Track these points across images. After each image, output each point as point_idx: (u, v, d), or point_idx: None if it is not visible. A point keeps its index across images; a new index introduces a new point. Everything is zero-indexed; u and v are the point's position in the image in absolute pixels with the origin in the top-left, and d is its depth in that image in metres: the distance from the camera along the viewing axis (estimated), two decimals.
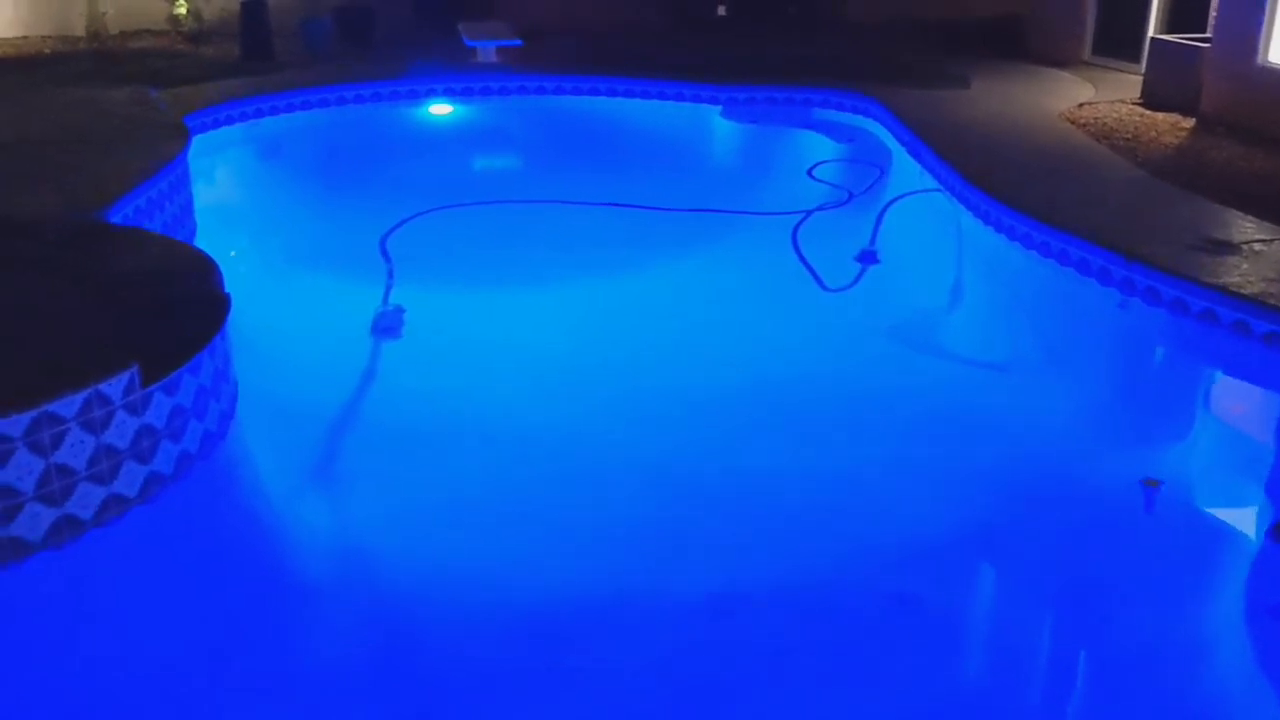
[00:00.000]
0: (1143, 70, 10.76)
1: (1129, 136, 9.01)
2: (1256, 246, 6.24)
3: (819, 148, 9.96)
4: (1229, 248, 6.22)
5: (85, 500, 3.70)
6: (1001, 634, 4.23)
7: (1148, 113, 9.89)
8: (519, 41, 11.80)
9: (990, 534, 4.74)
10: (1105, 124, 9.41)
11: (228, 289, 4.95)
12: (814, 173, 9.17)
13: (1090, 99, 10.43)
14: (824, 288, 7.15)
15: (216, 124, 9.36)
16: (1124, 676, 3.91)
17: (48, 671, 3.62)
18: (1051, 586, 4.50)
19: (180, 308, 4.42)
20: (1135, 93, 10.50)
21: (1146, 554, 4.56)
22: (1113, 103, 10.25)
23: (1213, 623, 4.27)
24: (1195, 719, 3.77)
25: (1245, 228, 6.61)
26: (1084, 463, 5.22)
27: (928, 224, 8.26)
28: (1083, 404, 5.80)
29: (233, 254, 7.60)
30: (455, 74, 11.05)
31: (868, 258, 7.50)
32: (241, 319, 5.85)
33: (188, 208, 6.90)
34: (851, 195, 8.64)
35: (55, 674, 3.61)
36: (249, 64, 11.17)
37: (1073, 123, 9.46)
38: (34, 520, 3.57)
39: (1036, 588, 4.49)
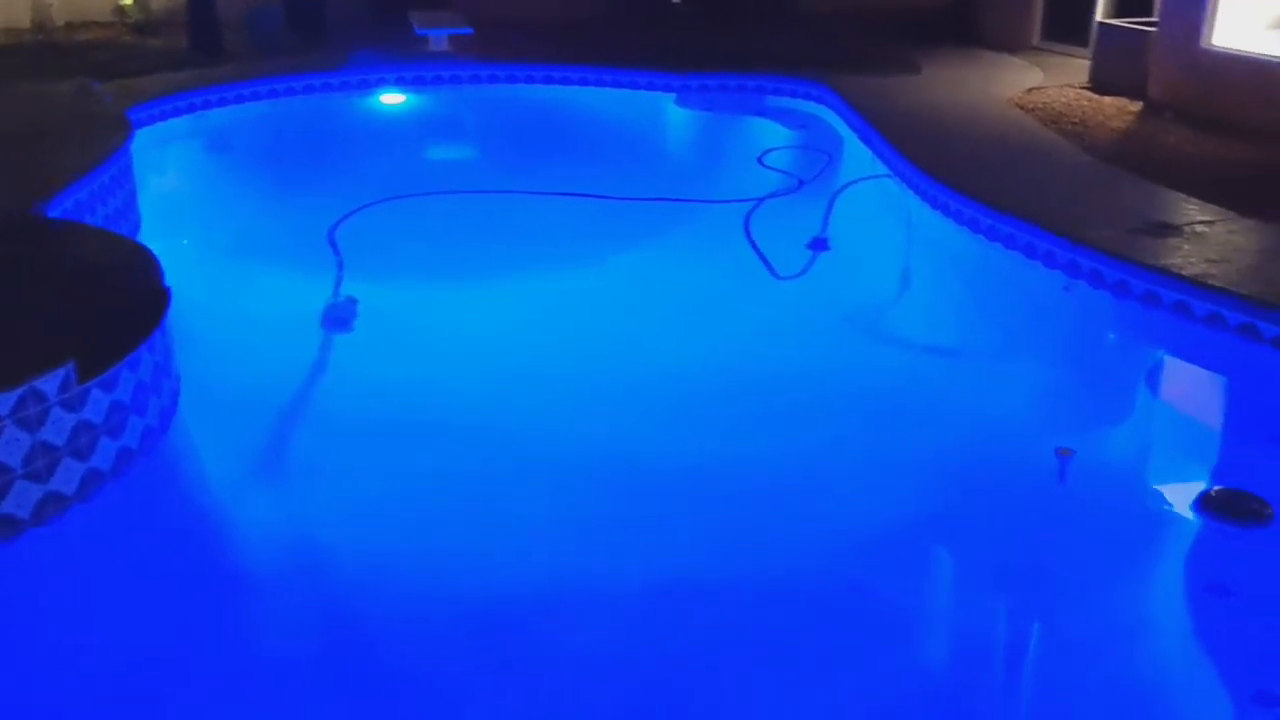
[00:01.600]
0: (1090, 55, 10.85)
1: (1077, 121, 9.09)
2: (1199, 229, 6.31)
3: (770, 135, 9.98)
4: (1172, 230, 6.29)
5: (22, 498, 3.65)
6: (953, 619, 4.26)
7: (1095, 97, 9.98)
8: (470, 30, 11.73)
9: (942, 519, 4.77)
10: (1053, 109, 9.48)
11: (171, 282, 4.90)
12: (765, 160, 9.19)
13: (1039, 84, 10.51)
14: (776, 275, 7.17)
15: (163, 116, 9.25)
16: (1072, 658, 3.95)
17: None
18: (1001, 570, 4.53)
19: (119, 302, 4.36)
20: (1083, 77, 10.59)
21: (1094, 535, 4.60)
22: (1061, 87, 10.34)
23: (1155, 601, 4.33)
24: (1144, 699, 3.82)
25: (1188, 210, 6.69)
26: (1030, 445, 5.27)
27: (878, 210, 8.30)
28: (1030, 387, 5.85)
29: (185, 243, 7.56)
30: (405, 63, 10.99)
31: (819, 245, 7.53)
32: (189, 313, 5.80)
33: (131, 201, 6.82)
34: (802, 183, 8.66)
35: None
36: (196, 55, 11.03)
37: (1022, 108, 9.53)
38: None
39: (988, 572, 4.52)
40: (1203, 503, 4.46)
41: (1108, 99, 9.89)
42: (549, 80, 10.99)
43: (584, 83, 10.97)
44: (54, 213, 5.49)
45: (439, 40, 11.67)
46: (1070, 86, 10.39)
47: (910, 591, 4.36)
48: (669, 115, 10.73)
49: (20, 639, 3.71)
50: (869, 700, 3.77)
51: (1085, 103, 9.77)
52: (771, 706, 3.71)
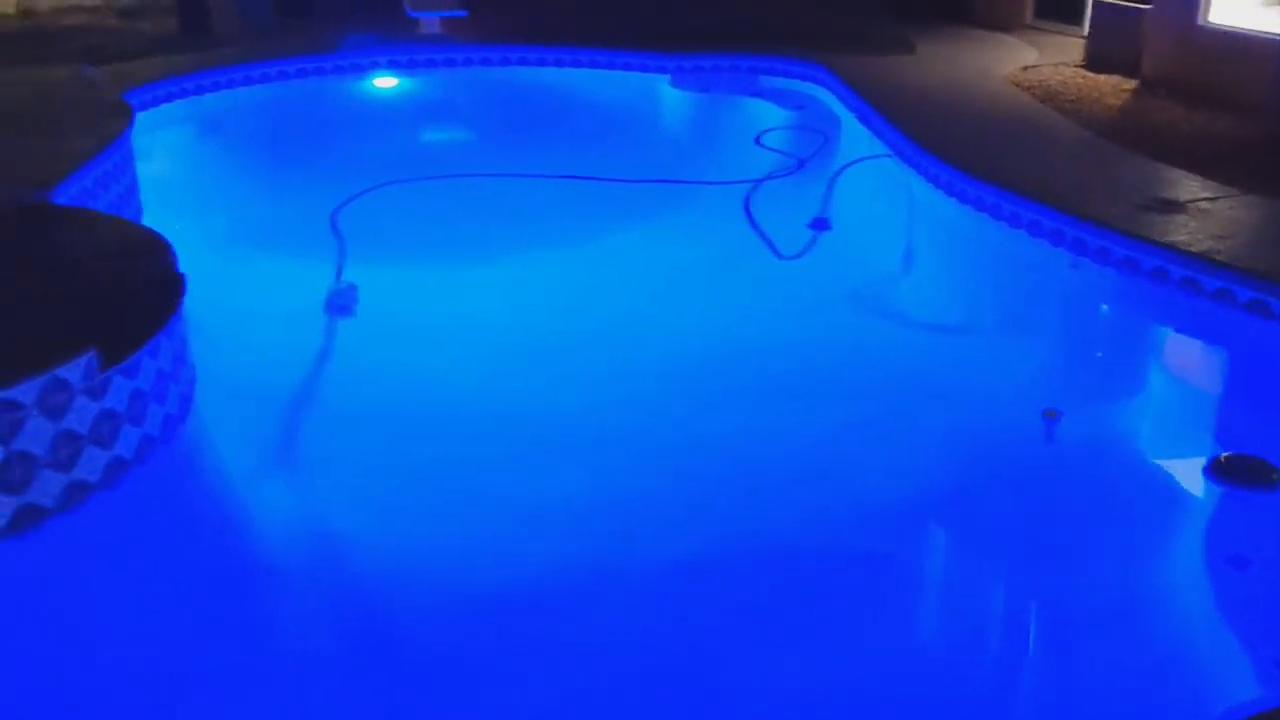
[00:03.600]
0: (1085, 33, 10.86)
1: (1073, 99, 9.11)
2: (1202, 205, 6.34)
3: (768, 116, 9.97)
4: (1176, 206, 6.32)
5: (46, 487, 3.64)
6: (962, 592, 4.29)
7: (1090, 75, 10.00)
8: (463, 12, 11.67)
9: (952, 494, 4.80)
10: (1049, 87, 9.50)
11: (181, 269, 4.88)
12: (762, 140, 9.18)
13: (1034, 62, 10.53)
14: (778, 256, 7.18)
15: (157, 101, 9.17)
16: (1088, 631, 3.98)
17: (8, 658, 3.56)
18: (1012, 544, 4.57)
19: (136, 289, 4.34)
20: (1078, 56, 10.62)
21: (1104, 507, 4.64)
22: (1056, 65, 10.35)
23: (1170, 569, 4.37)
24: (1162, 671, 3.85)
25: (1191, 186, 6.72)
26: (1036, 421, 5.30)
27: (878, 189, 8.31)
28: (1037, 364, 5.88)
29: (186, 229, 7.51)
30: (398, 46, 10.92)
31: (820, 224, 7.53)
32: (193, 300, 5.77)
33: (133, 188, 6.77)
34: (801, 162, 8.66)
35: (19, 661, 3.56)
36: (187, 39, 10.95)
37: (1018, 86, 9.54)
38: None
39: (1001, 546, 4.56)
40: (1213, 469, 4.52)
41: (1103, 77, 9.91)
42: (542, 62, 10.95)
43: (577, 64, 10.93)
44: (60, 200, 5.45)
45: (431, 22, 11.61)
46: (1065, 65, 10.41)
47: (924, 567, 4.41)
48: (664, 96, 10.70)
49: (46, 625, 3.71)
50: (886, 675, 3.80)
51: (1081, 80, 9.79)
52: (792, 683, 3.74)
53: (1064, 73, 10.07)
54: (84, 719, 3.47)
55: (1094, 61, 10.31)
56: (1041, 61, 10.57)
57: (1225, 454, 4.58)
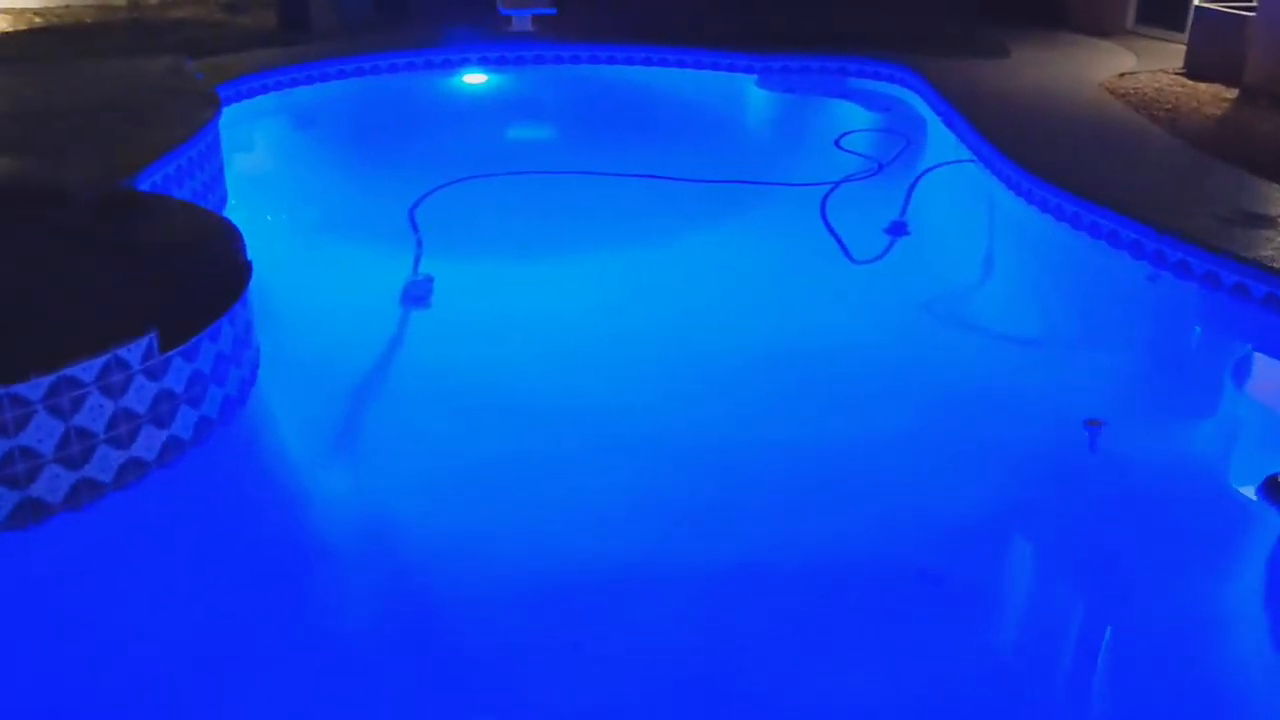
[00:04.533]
0: (1186, 40, 10.55)
1: (1169, 107, 8.86)
2: None
3: (850, 118, 9.87)
4: (1265, 221, 6.11)
5: (104, 463, 3.77)
6: (1022, 612, 4.22)
7: (1189, 83, 9.71)
8: (554, 10, 11.77)
9: (1014, 510, 4.72)
10: (1145, 95, 9.25)
11: (255, 257, 5.01)
12: (841, 143, 9.09)
13: (1131, 69, 10.26)
14: (851, 260, 7.11)
15: (252, 93, 9.42)
16: (1148, 655, 3.89)
17: (68, 630, 3.70)
18: (1074, 564, 4.48)
19: (202, 275, 4.47)
20: (1178, 62, 10.31)
21: (1171, 531, 4.52)
22: (1154, 73, 10.07)
23: (1235, 593, 4.24)
24: (1219, 696, 3.75)
25: None
26: (1109, 438, 5.18)
27: (959, 196, 8.17)
28: (1110, 379, 5.73)
29: (270, 218, 7.72)
30: (489, 43, 11.05)
31: (898, 229, 7.44)
32: (270, 287, 5.92)
33: (218, 176, 6.96)
34: (881, 166, 8.56)
35: (75, 632, 3.69)
36: (286, 33, 11.22)
37: (1112, 93, 9.30)
38: (54, 482, 3.64)
39: (1059, 566, 4.48)
40: (1267, 488, 4.39)
41: (1202, 85, 9.61)
42: (630, 61, 10.98)
43: (664, 63, 10.95)
44: (143, 187, 5.63)
45: (523, 20, 11.72)
46: (1164, 72, 10.12)
47: (978, 581, 4.32)
48: (749, 97, 10.66)
49: (100, 598, 3.85)
50: (930, 689, 3.75)
51: (1179, 89, 9.51)
52: (835, 691, 3.71)
53: (1162, 80, 9.79)
54: (134, 691, 3.59)
55: (1194, 69, 10.01)
56: (1140, 68, 10.29)
57: None
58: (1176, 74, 10.05)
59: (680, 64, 10.94)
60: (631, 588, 4.20)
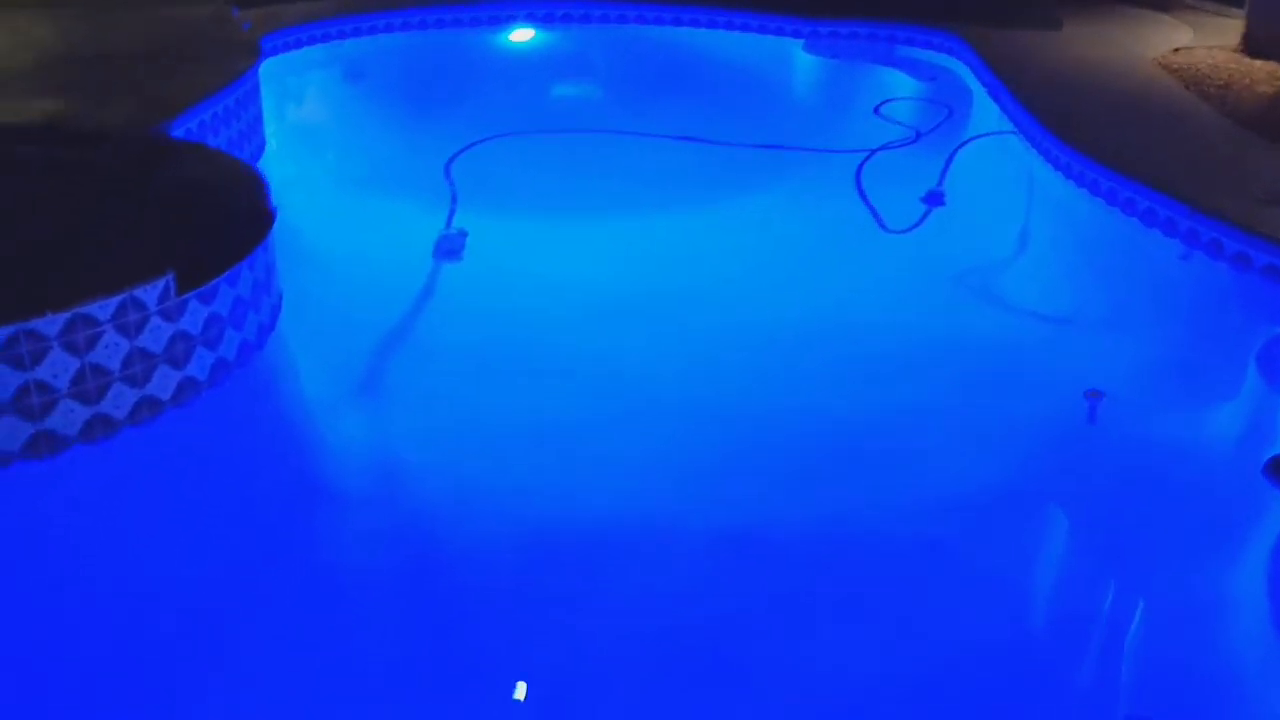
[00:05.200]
0: (1245, 14, 10.29)
1: (1220, 84, 8.66)
2: None
3: (894, 85, 9.76)
4: None
5: (119, 400, 3.87)
6: (1033, 588, 4.23)
7: (1245, 60, 9.46)
8: None
9: (1034, 486, 4.72)
10: (1197, 71, 9.04)
11: (290, 205, 5.10)
12: (881, 110, 9.00)
13: (1186, 44, 10.02)
14: (885, 228, 7.07)
15: (299, 44, 9.50)
16: (1152, 635, 3.89)
17: (79, 559, 3.82)
18: (1089, 542, 4.48)
19: (225, 220, 4.54)
20: (1236, 39, 10.06)
21: (1192, 512, 4.49)
22: (1209, 49, 9.84)
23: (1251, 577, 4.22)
24: (1225, 676, 3.74)
25: None
26: (1133, 418, 5.14)
27: (998, 168, 8.07)
28: (1137, 358, 5.67)
29: (306, 168, 7.81)
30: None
31: (934, 199, 7.38)
32: (302, 235, 6.01)
33: (255, 125, 7.05)
34: (918, 135, 8.48)
35: (86, 562, 3.81)
36: None
37: (1164, 68, 9.11)
38: (68, 416, 3.74)
39: (1074, 544, 4.48)
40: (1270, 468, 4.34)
41: (1259, 62, 9.37)
42: (678, 22, 10.91)
43: (713, 25, 10.87)
44: (176, 133, 5.72)
45: None
46: (1220, 48, 9.87)
47: (991, 555, 4.32)
48: (794, 61, 10.56)
49: (113, 530, 3.96)
50: (934, 658, 3.78)
51: (1233, 65, 9.28)
52: (841, 657, 3.75)
53: (1217, 56, 9.56)
54: (140, 622, 3.71)
55: (1251, 45, 9.75)
56: (1195, 43, 10.05)
57: None
58: (1233, 50, 9.80)
59: (729, 26, 10.86)
60: (643, 547, 4.26)
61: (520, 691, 3.52)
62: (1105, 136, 7.11)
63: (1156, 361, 5.67)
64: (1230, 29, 10.46)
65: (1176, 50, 9.76)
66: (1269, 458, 4.40)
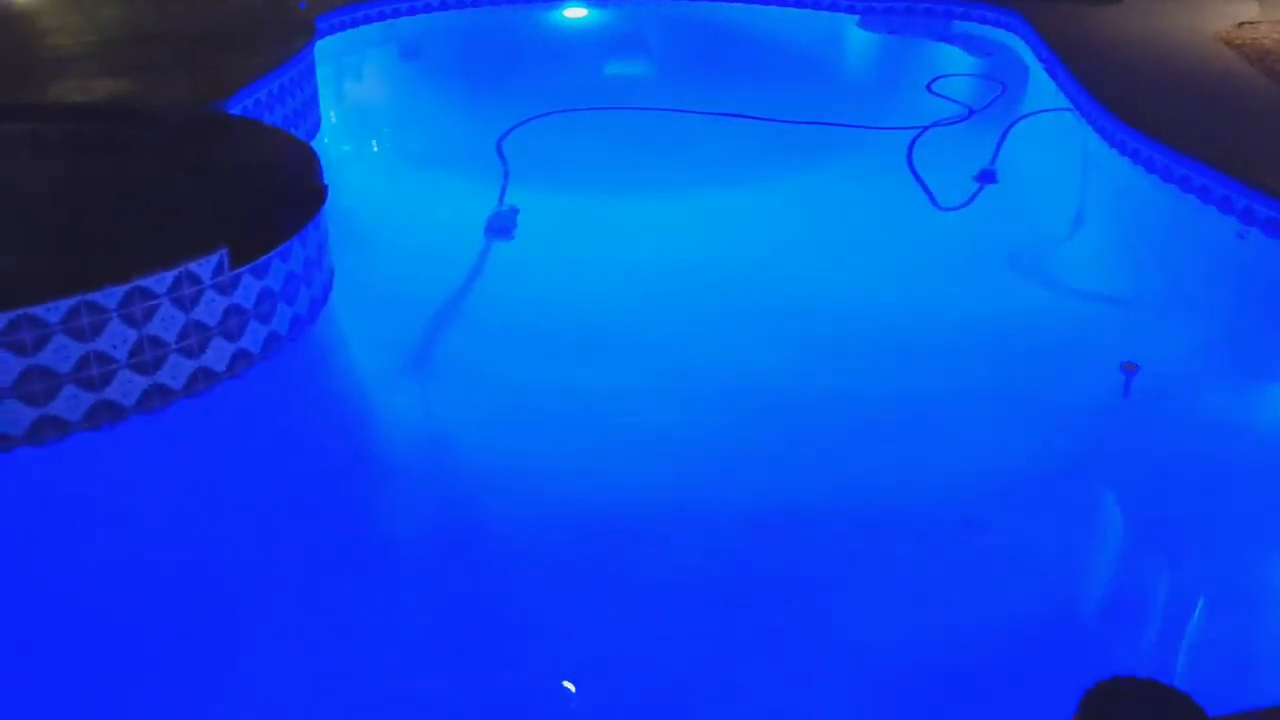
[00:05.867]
0: None
1: None
2: None
3: (947, 62, 9.67)
4: None
5: (175, 371, 3.98)
6: (1060, 566, 4.21)
7: None
8: None
9: (1078, 469, 4.69)
10: (1263, 46, 8.85)
11: (343, 183, 5.18)
12: (934, 87, 8.93)
13: (1253, 18, 9.81)
14: (937, 206, 7.03)
15: (355, 23, 9.60)
16: (1191, 612, 3.87)
17: (136, 526, 3.95)
18: (1124, 523, 4.46)
19: (278, 196, 4.63)
20: None
21: (1231, 499, 4.44)
22: (1275, 23, 9.62)
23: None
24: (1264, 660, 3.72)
25: None
26: (1187, 400, 5.10)
27: (1052, 145, 7.99)
28: (1192, 338, 5.61)
29: (361, 146, 7.91)
30: None
31: (986, 177, 7.32)
32: (354, 212, 6.10)
33: (311, 103, 7.16)
34: (971, 111, 8.40)
35: (141, 529, 3.94)
36: None
37: (1228, 44, 8.93)
38: (127, 386, 3.86)
39: (1108, 522, 4.46)
40: None
41: None
42: None
43: (766, 2, 10.82)
44: (233, 111, 5.83)
45: None
46: None
47: (1035, 537, 4.31)
48: (848, 37, 10.50)
49: (170, 497, 4.09)
50: (972, 637, 3.79)
51: None
52: (878, 633, 3.78)
53: None
54: (192, 588, 3.83)
55: None
56: (1261, 18, 9.83)
57: None
58: None
59: (782, 2, 10.81)
60: (678, 521, 4.31)
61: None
62: (1162, 112, 6.99)
63: (1209, 340, 5.61)
64: None
65: (1241, 25, 9.56)
66: None
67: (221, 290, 4.05)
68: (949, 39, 10.17)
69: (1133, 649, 3.79)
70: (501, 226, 6.62)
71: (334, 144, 6.75)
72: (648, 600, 3.90)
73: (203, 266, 3.97)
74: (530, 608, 3.89)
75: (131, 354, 3.83)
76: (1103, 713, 1.95)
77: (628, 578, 4.03)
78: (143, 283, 3.80)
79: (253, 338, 4.22)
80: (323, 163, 4.95)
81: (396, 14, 9.97)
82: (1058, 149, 7.89)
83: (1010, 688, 3.52)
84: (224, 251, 4.04)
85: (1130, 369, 4.95)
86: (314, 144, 5.45)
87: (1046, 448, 4.74)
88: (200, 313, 3.99)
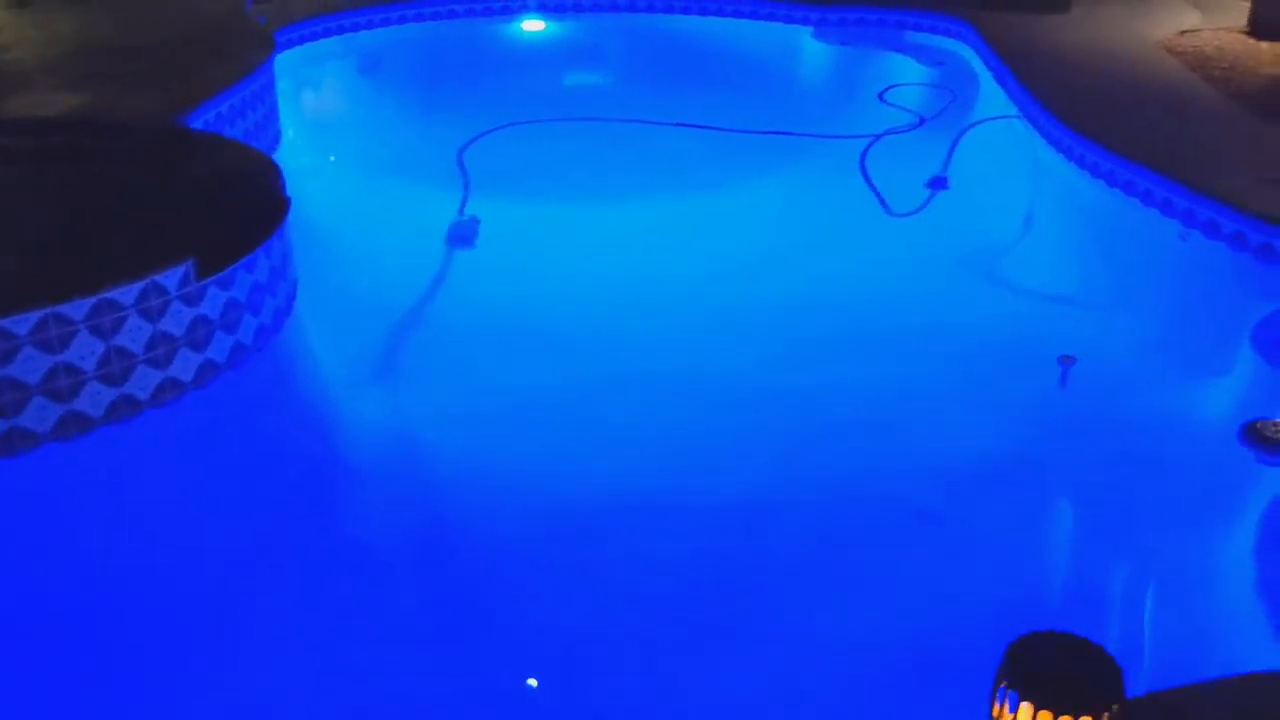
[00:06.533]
0: None
1: (1226, 67, 8.71)
2: None
3: (901, 71, 9.85)
4: None
5: (143, 382, 4.03)
6: (1019, 552, 4.34)
7: (1252, 42, 9.51)
8: None
9: (1029, 461, 4.83)
10: (1203, 53, 9.10)
11: (305, 194, 5.24)
12: (885, 96, 9.10)
13: (1194, 26, 10.06)
14: (890, 212, 7.18)
15: (314, 36, 9.63)
16: (1138, 598, 4.00)
17: (104, 536, 3.99)
18: (1074, 512, 4.59)
19: (242, 209, 4.69)
20: (1244, 20, 10.10)
21: (1188, 488, 4.59)
22: (1216, 30, 9.88)
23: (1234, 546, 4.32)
24: (1205, 645, 3.85)
25: None
26: (1130, 394, 5.25)
27: (1001, 151, 8.17)
28: (1133, 336, 5.77)
29: (321, 158, 7.95)
30: None
31: (938, 183, 7.49)
32: (317, 223, 6.15)
33: (271, 116, 7.21)
34: (922, 120, 8.57)
35: (108, 539, 3.97)
36: None
37: (1169, 51, 9.16)
38: (95, 397, 3.91)
39: (1061, 510, 4.59)
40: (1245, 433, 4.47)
41: (1265, 44, 9.41)
42: (686, 10, 11.01)
43: (721, 13, 10.96)
44: (195, 125, 5.88)
45: None
46: (1227, 30, 9.91)
47: (988, 525, 4.45)
48: (803, 48, 10.65)
49: (139, 507, 4.13)
50: (916, 621, 3.91)
51: (1239, 47, 9.32)
52: (836, 623, 3.89)
53: (1223, 38, 9.61)
54: (161, 595, 3.88)
55: (1259, 27, 9.78)
56: (1203, 25, 10.09)
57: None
58: (1240, 32, 9.84)
59: (737, 14, 10.94)
60: (647, 518, 4.42)
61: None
62: (1105, 118, 7.19)
63: (1152, 338, 5.77)
64: (1238, 10, 10.48)
65: (1183, 32, 9.81)
66: (1243, 423, 4.52)
67: (188, 301, 4.10)
68: (900, 49, 10.35)
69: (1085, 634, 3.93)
70: (463, 235, 6.70)
71: (294, 157, 6.78)
72: (617, 592, 4.00)
73: (169, 278, 4.03)
74: (499, 604, 3.99)
75: (99, 365, 3.88)
76: (1021, 659, 2.10)
77: (596, 571, 4.13)
78: (110, 294, 3.86)
79: (219, 348, 4.28)
80: (285, 175, 5.02)
81: (356, 28, 10.02)
82: (1007, 155, 8.08)
83: (964, 668, 3.64)
84: (190, 263, 4.10)
85: (1068, 361, 5.14)
86: (275, 157, 5.51)
87: (996, 440, 4.89)
88: (167, 324, 4.05)
